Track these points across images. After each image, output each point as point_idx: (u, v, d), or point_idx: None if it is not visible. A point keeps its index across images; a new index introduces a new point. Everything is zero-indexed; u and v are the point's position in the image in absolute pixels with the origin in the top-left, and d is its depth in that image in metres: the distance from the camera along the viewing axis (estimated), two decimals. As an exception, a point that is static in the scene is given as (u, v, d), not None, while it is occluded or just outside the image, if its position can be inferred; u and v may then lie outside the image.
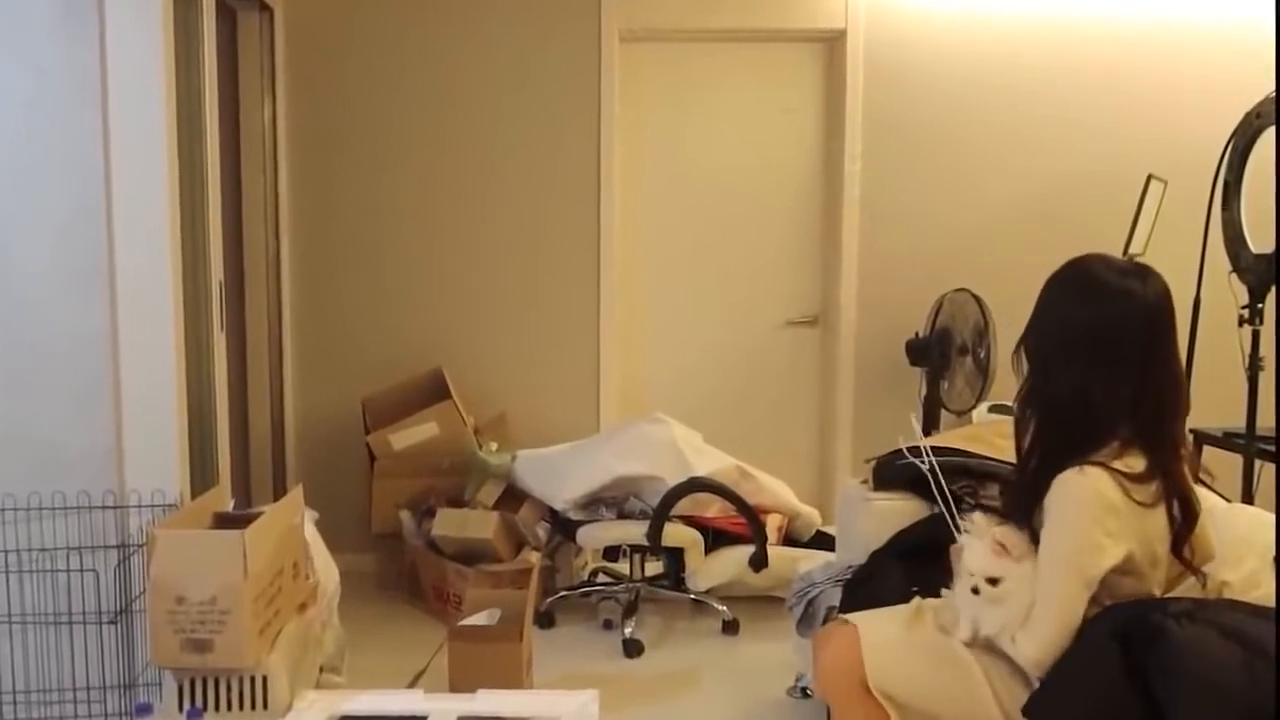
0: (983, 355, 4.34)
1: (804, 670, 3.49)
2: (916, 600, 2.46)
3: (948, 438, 3.24)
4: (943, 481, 2.63)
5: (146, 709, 2.36)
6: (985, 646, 2.24)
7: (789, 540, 4.45)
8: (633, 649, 3.98)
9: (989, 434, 3.20)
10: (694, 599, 4.32)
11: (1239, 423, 3.72)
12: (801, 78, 5.05)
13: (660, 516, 4.03)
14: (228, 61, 4.46)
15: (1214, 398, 3.75)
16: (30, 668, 3.09)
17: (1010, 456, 2.89)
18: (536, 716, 2.75)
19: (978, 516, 2.30)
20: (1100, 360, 2.16)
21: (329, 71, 4.85)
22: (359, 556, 4.68)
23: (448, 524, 4.29)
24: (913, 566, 2.80)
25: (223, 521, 3.05)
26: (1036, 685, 2.15)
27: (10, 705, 3.08)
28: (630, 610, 4.14)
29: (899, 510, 3.06)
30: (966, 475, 3.00)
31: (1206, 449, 3.92)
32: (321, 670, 3.33)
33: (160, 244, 3.12)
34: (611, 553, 4.42)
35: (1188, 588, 2.25)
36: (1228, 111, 3.91)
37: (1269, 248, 3.61)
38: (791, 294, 5.16)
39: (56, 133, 3.06)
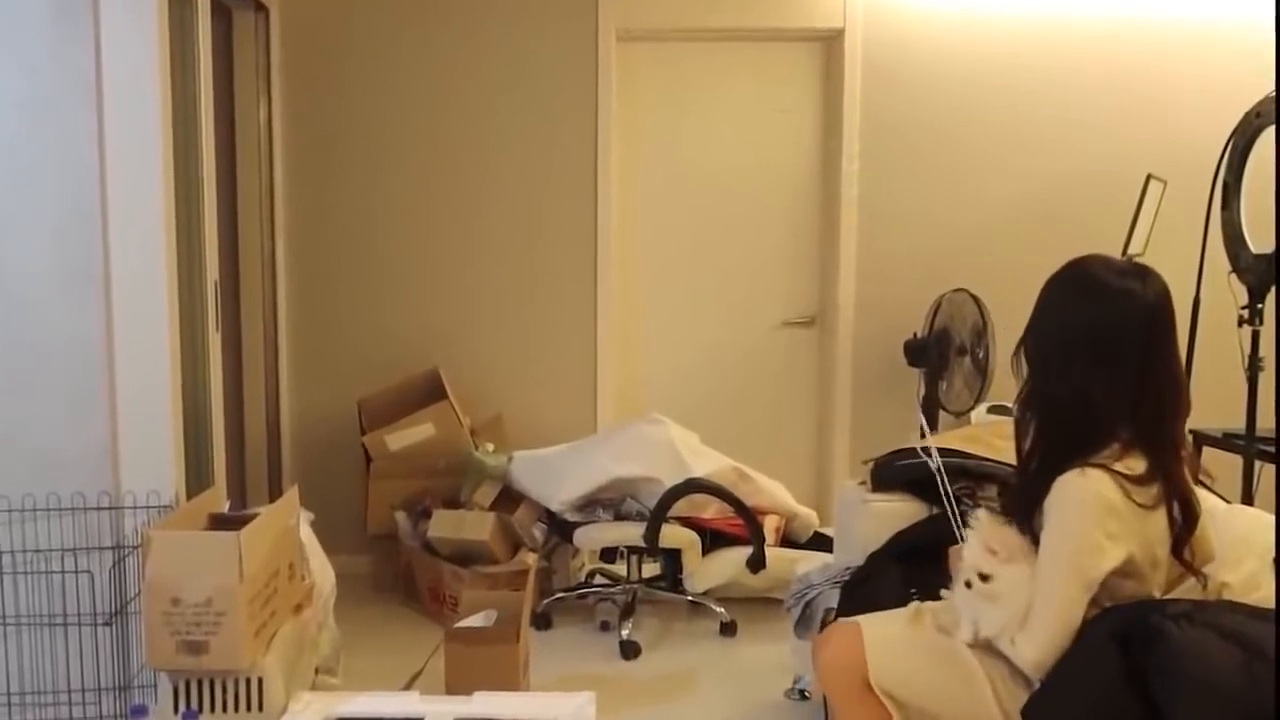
0: (981, 356, 4.33)
1: (802, 672, 3.48)
2: (915, 604, 2.45)
3: (946, 438, 3.23)
4: (947, 483, 2.62)
5: (142, 711, 2.35)
6: (985, 647, 2.23)
7: (787, 542, 4.44)
8: (630, 651, 3.97)
9: (987, 435, 3.19)
10: (691, 600, 4.31)
11: (1239, 423, 3.72)
12: (799, 77, 5.04)
13: (657, 518, 4.02)
14: (223, 61, 4.45)
15: (1213, 398, 3.74)
16: (25, 669, 3.09)
17: (1008, 457, 2.88)
18: (533, 719, 2.74)
19: (982, 514, 2.30)
20: (1100, 361, 2.15)
21: (325, 72, 4.84)
22: (355, 558, 4.66)
23: (444, 525, 4.28)
24: (911, 568, 2.80)
25: (218, 523, 3.05)
26: (1037, 686, 2.14)
27: (4, 707, 3.07)
28: (627, 612, 4.13)
29: (897, 512, 3.05)
30: (965, 476, 3.00)
31: (1206, 449, 3.91)
32: (317, 672, 3.33)
33: (155, 244, 3.12)
34: (609, 554, 4.41)
35: (1187, 589, 2.24)
36: (1227, 111, 3.90)
37: (1269, 248, 3.61)
38: (789, 294, 5.16)
39: (51, 133, 3.05)
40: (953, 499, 2.60)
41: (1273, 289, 3.60)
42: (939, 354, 4.60)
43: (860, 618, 2.41)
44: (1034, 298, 2.29)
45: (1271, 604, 2.17)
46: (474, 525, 4.24)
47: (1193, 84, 4.84)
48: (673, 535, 4.11)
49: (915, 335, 4.74)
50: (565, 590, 4.41)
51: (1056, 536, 2.13)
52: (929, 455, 2.72)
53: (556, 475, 4.30)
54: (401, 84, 4.86)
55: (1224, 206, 3.80)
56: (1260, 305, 3.65)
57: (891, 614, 2.43)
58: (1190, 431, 2.27)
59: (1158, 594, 2.18)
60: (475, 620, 3.43)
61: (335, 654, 3.52)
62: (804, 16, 4.85)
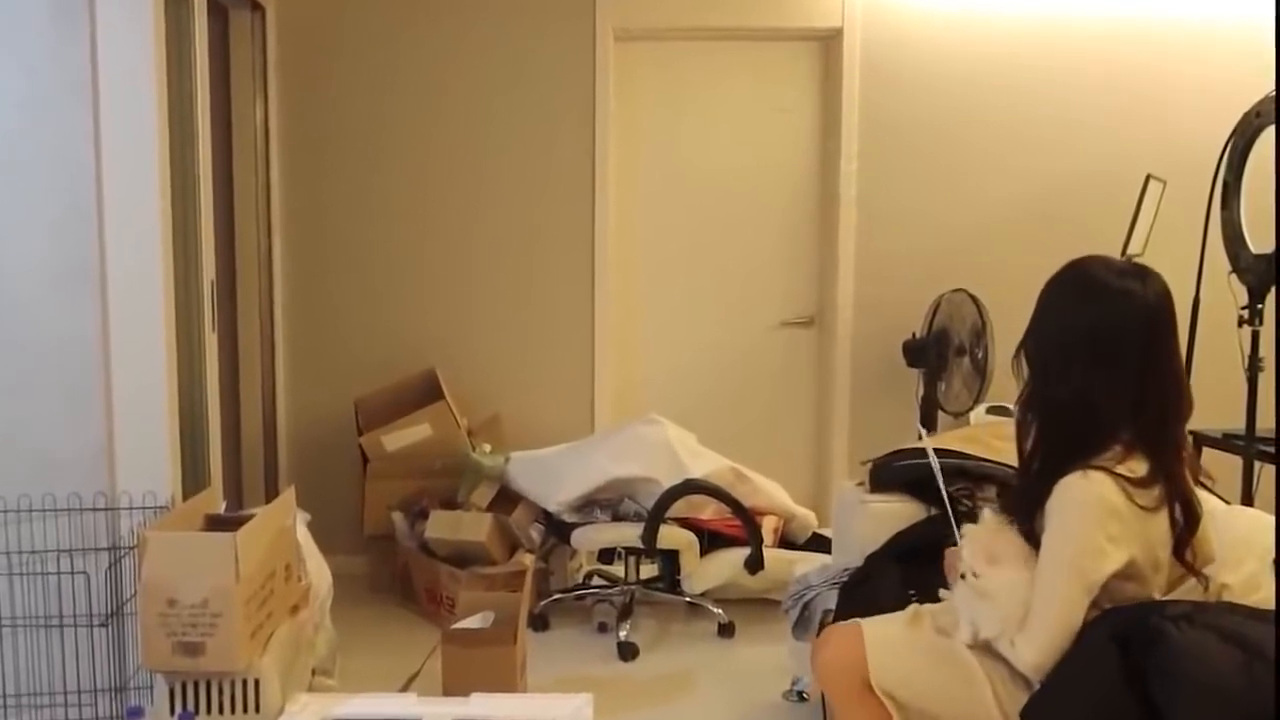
0: (980, 356, 4.32)
1: (800, 673, 3.47)
2: (913, 606, 2.45)
3: (945, 439, 3.22)
4: (942, 483, 2.62)
5: (138, 712, 2.34)
6: (985, 649, 2.23)
7: (785, 543, 4.44)
8: (627, 652, 3.96)
9: (986, 435, 3.19)
10: (689, 602, 4.30)
11: (1238, 424, 3.71)
12: (798, 77, 5.03)
13: (655, 519, 4.01)
14: (219, 61, 4.44)
15: (1213, 399, 3.72)
16: (20, 671, 3.08)
17: (1007, 458, 2.88)
18: (530, 720, 2.74)
19: (987, 512, 2.30)
20: (1101, 362, 2.14)
21: (321, 71, 4.83)
22: (351, 559, 4.66)
23: (441, 526, 4.27)
24: (909, 569, 2.79)
25: (214, 523, 3.05)
26: (1036, 688, 2.14)
27: (0, 708, 3.06)
28: (625, 613, 4.12)
29: (896, 513, 3.04)
30: (964, 477, 2.99)
31: (1205, 450, 3.90)
32: (313, 673, 3.33)
33: (151, 244, 3.11)
34: (606, 555, 4.40)
35: (1188, 590, 2.24)
36: (1227, 111, 3.90)
37: (1269, 248, 3.60)
38: (787, 294, 5.15)
39: (47, 132, 3.05)
40: (950, 500, 2.60)
41: (1273, 289, 3.60)
42: (938, 354, 4.59)
43: (860, 619, 2.40)
44: (1033, 298, 2.28)
45: (1271, 605, 2.16)
46: (471, 526, 4.24)
47: (1192, 84, 4.83)
48: (670, 536, 4.10)
49: (914, 335, 4.73)
50: (563, 591, 4.40)
51: (1058, 539, 2.12)
52: (929, 455, 2.72)
53: (554, 476, 4.29)
54: (398, 83, 4.85)
55: (1224, 206, 3.80)
56: (1260, 305, 3.64)
57: (890, 616, 2.43)
58: (1190, 432, 2.26)
59: (1158, 596, 2.17)
60: (472, 621, 3.42)
61: (332, 655, 3.51)
62: (803, 16, 4.84)
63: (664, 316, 5.13)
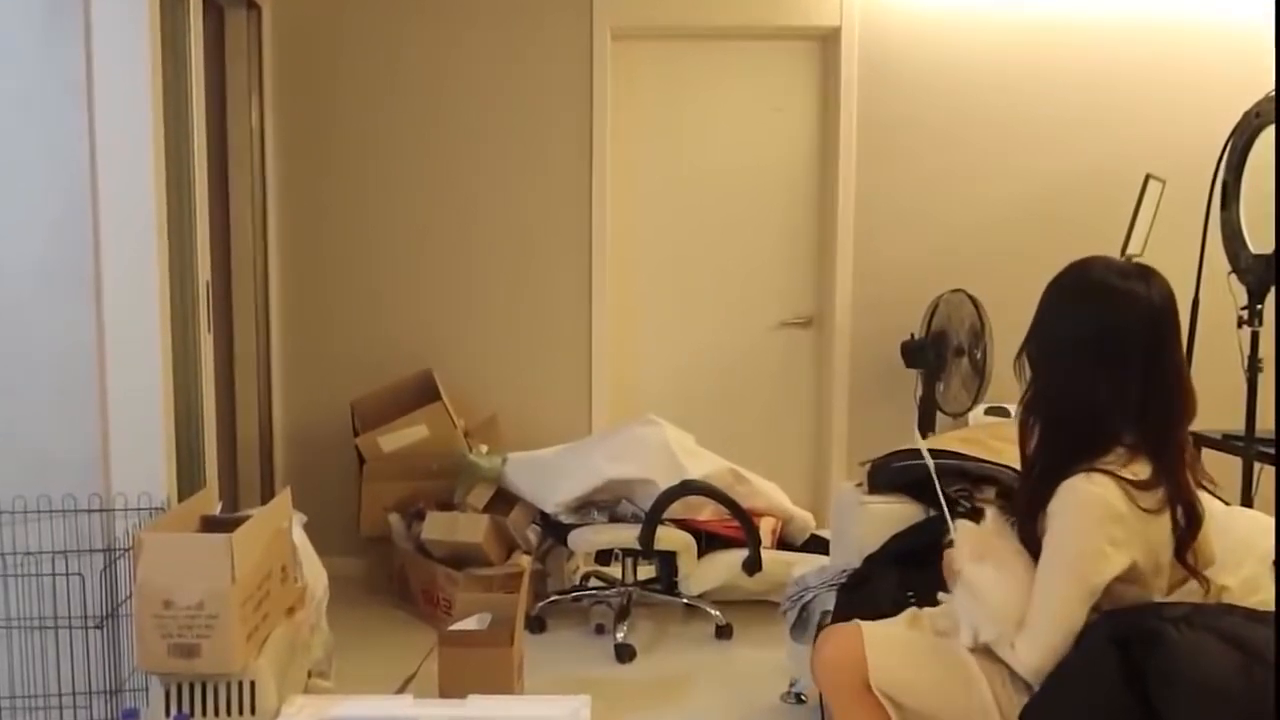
0: (979, 357, 4.32)
1: (798, 675, 3.47)
2: (912, 609, 2.44)
3: (944, 440, 3.21)
4: (939, 485, 2.61)
5: (133, 714, 2.34)
6: (985, 651, 2.22)
7: (783, 544, 4.43)
8: (625, 654, 3.96)
9: (985, 436, 3.18)
10: (687, 603, 4.29)
11: (1238, 425, 3.70)
12: (796, 76, 5.03)
13: (653, 520, 4.00)
14: (215, 60, 4.43)
15: (1213, 399, 3.71)
16: (15, 673, 3.07)
17: (1007, 459, 2.87)
18: (527, 723, 2.73)
19: (991, 513, 2.30)
20: (1104, 364, 2.13)
21: (317, 70, 4.82)
22: (348, 560, 4.65)
23: (437, 527, 4.26)
24: (908, 571, 2.79)
25: (210, 525, 3.05)
26: (1036, 690, 2.13)
27: (-5, 711, 3.06)
28: (622, 615, 4.11)
29: (894, 514, 3.03)
30: (963, 478, 2.98)
31: (1205, 451, 3.89)
32: (310, 675, 3.32)
33: (147, 244, 3.10)
34: (603, 556, 4.40)
35: (1188, 592, 2.23)
36: (1226, 111, 3.89)
37: (1268, 248, 3.60)
38: (786, 295, 5.14)
39: (42, 132, 3.04)
40: (949, 501, 2.59)
41: (1272, 290, 3.59)
42: (936, 355, 4.58)
43: (859, 621, 2.40)
44: (1032, 298, 2.27)
45: (1271, 607, 2.16)
46: (468, 527, 4.23)
47: (1192, 84, 4.82)
48: (668, 537, 4.10)
49: (912, 336, 4.72)
50: (560, 593, 4.39)
51: (1060, 541, 2.11)
52: (924, 457, 2.71)
53: (551, 477, 4.29)
54: (394, 83, 4.84)
55: (1223, 206, 3.79)
56: (1260, 306, 3.64)
57: (889, 620, 2.42)
58: (1190, 433, 2.25)
59: (1159, 598, 2.17)
60: (469, 623, 3.42)
61: (328, 657, 3.50)
62: (800, 15, 4.83)
63: (661, 317, 5.13)
